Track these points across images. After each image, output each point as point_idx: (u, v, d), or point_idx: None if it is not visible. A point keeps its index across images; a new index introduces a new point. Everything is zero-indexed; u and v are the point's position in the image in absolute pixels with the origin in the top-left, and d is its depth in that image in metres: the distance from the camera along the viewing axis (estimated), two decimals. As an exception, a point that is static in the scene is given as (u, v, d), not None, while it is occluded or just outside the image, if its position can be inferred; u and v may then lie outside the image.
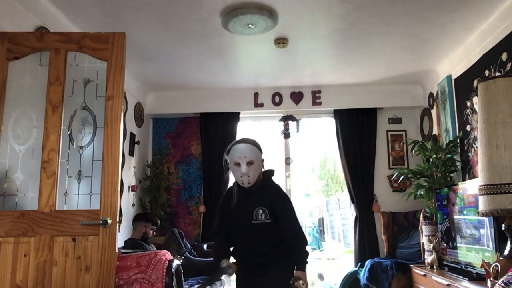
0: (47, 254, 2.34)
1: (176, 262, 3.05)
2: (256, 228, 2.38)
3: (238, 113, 5.10)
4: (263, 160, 2.47)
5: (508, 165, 2.11)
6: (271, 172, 2.54)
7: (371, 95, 4.96)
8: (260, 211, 2.38)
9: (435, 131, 4.60)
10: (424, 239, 3.89)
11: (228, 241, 2.54)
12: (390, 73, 4.57)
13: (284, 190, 2.93)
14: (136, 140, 4.79)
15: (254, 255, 2.43)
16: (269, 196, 2.43)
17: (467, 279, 2.90)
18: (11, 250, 2.34)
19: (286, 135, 5.14)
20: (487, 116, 2.22)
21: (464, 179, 3.86)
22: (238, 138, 2.53)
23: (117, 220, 2.43)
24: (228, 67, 4.28)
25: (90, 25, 3.24)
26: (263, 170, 2.49)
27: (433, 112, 4.64)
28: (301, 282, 2.27)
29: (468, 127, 3.80)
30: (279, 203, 2.43)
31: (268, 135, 5.36)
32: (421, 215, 4.01)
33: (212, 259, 4.34)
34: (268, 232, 2.40)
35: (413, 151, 4.24)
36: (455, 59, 4.00)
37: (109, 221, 2.38)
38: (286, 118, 5.13)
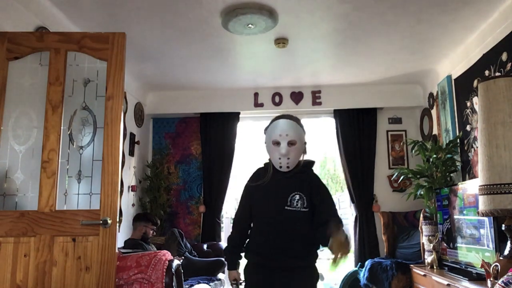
0: (47, 254, 2.34)
1: (176, 262, 3.05)
2: (289, 217, 2.01)
3: (238, 113, 5.10)
4: (305, 143, 2.15)
5: (508, 165, 2.11)
6: (312, 162, 2.21)
7: (371, 95, 4.96)
8: (297, 196, 2.03)
9: (435, 131, 4.60)
10: (424, 239, 3.89)
11: (247, 236, 2.18)
12: (390, 73, 4.57)
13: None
14: (136, 140, 4.79)
15: (279, 252, 2.03)
16: (309, 182, 2.09)
17: (467, 279, 2.90)
18: (11, 250, 2.34)
19: (286, 135, 5.13)
20: (487, 116, 2.22)
21: (464, 179, 3.86)
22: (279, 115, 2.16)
23: (117, 220, 2.43)
24: (228, 67, 4.28)
25: (90, 25, 3.24)
26: (304, 156, 2.16)
27: (433, 112, 4.64)
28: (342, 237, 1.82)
29: (468, 127, 3.79)
30: (319, 192, 2.09)
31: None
32: (421, 215, 4.01)
33: (212, 259, 4.35)
34: (302, 224, 2.02)
35: (413, 151, 4.24)
36: (455, 59, 4.00)
37: (109, 221, 2.38)
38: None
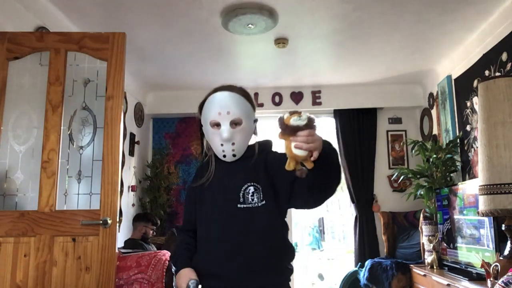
0: (47, 254, 2.34)
1: (176, 262, 3.05)
2: (244, 217, 1.50)
3: (238, 113, 5.09)
4: (256, 121, 1.64)
5: (508, 165, 2.11)
6: (269, 143, 1.70)
7: (371, 95, 4.96)
8: (251, 189, 1.52)
9: (435, 131, 4.60)
10: (424, 239, 3.89)
11: (194, 240, 1.65)
12: (390, 73, 4.57)
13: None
14: (136, 140, 4.79)
15: (235, 268, 1.48)
16: (263, 163, 1.58)
17: (467, 279, 2.90)
18: (11, 250, 2.33)
19: (286, 135, 5.13)
20: (487, 116, 2.22)
21: (464, 179, 3.85)
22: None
23: (117, 220, 2.43)
24: (228, 67, 4.28)
25: (90, 25, 3.24)
26: (256, 138, 1.66)
27: (433, 112, 4.64)
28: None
29: (468, 127, 3.79)
30: (275, 157, 1.57)
31: (268, 135, 5.36)
32: (421, 215, 4.01)
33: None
34: (263, 224, 1.50)
35: (413, 151, 4.24)
36: (455, 59, 4.00)
37: (109, 221, 2.38)
38: (286, 118, 5.12)
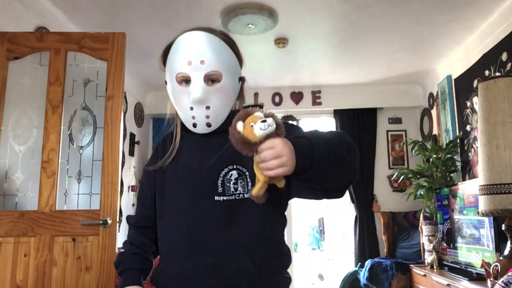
0: (47, 254, 2.34)
1: (176, 262, 3.05)
2: (223, 215, 1.08)
3: (238, 113, 5.09)
4: (241, 80, 1.22)
5: (508, 165, 2.11)
6: (261, 107, 1.24)
7: (371, 95, 4.96)
8: (234, 174, 1.10)
9: (435, 131, 4.60)
10: (424, 239, 3.89)
11: (153, 241, 1.22)
12: (390, 73, 4.57)
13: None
14: (136, 140, 4.79)
15: (210, 281, 1.06)
16: None
17: (467, 279, 2.90)
18: (11, 250, 2.34)
19: (286, 135, 5.13)
20: (487, 116, 2.22)
21: (464, 179, 3.86)
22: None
23: (117, 220, 2.43)
24: (228, 67, 4.28)
25: (90, 25, 3.24)
26: (242, 102, 1.24)
27: (433, 112, 4.64)
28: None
29: (468, 127, 3.79)
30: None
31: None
32: (421, 215, 4.01)
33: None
34: (251, 223, 1.08)
35: (413, 151, 4.24)
36: (455, 59, 4.00)
37: (109, 221, 2.38)
38: (286, 118, 5.12)
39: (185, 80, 1.13)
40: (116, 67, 2.56)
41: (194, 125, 1.14)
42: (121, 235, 4.05)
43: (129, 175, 4.59)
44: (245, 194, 1.09)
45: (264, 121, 0.88)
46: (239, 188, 1.09)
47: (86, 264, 2.35)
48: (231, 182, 1.10)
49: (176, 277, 1.08)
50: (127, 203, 4.51)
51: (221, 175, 1.10)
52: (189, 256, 1.08)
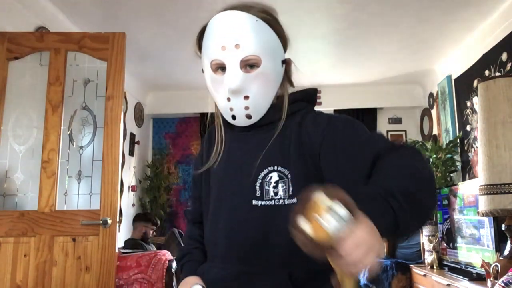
0: (47, 254, 2.34)
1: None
2: (260, 222, 0.97)
3: (238, 113, 5.09)
4: (285, 62, 1.11)
5: (508, 165, 2.11)
6: (312, 93, 1.15)
7: (371, 95, 4.96)
8: (274, 176, 0.97)
9: (435, 131, 4.60)
10: (424, 239, 3.89)
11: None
12: (390, 73, 4.57)
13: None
14: (136, 140, 4.79)
15: None
16: (295, 130, 1.00)
17: (467, 279, 2.90)
18: (11, 250, 2.34)
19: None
20: (487, 116, 2.22)
21: (464, 179, 3.85)
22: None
23: (117, 220, 2.43)
24: (228, 67, 4.28)
25: (90, 25, 3.24)
26: (288, 86, 1.11)
27: (433, 112, 4.64)
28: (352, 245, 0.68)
29: (468, 127, 3.79)
30: (337, 133, 0.95)
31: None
32: (421, 215, 4.00)
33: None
34: (284, 234, 0.77)
35: (413, 151, 4.23)
36: (455, 59, 4.00)
37: (109, 221, 2.37)
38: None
39: (221, 68, 0.99)
40: (116, 67, 2.56)
41: (233, 117, 1.01)
42: (121, 235, 4.05)
43: (129, 175, 4.59)
44: (285, 200, 0.95)
45: (331, 208, 0.66)
46: (279, 193, 0.96)
47: (86, 264, 2.35)
48: (271, 185, 0.97)
49: (212, 283, 1.01)
50: (127, 203, 4.51)
51: (259, 178, 0.98)
52: (226, 263, 1.00)
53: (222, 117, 1.07)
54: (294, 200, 0.94)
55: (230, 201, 1.01)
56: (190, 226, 1.21)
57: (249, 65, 0.98)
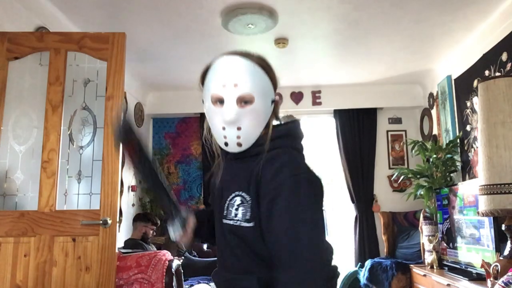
0: (47, 254, 2.34)
1: (176, 262, 3.05)
2: (227, 235, 1.17)
3: (238, 113, 5.08)
4: (274, 102, 1.24)
5: (508, 165, 2.11)
6: (292, 131, 1.25)
7: (371, 95, 4.96)
8: (237, 200, 1.14)
9: (435, 131, 4.60)
10: (424, 239, 3.89)
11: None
12: (390, 73, 4.57)
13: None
14: (136, 140, 4.78)
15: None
16: (268, 173, 1.10)
17: (467, 279, 2.90)
18: (11, 250, 2.34)
19: (286, 135, 5.13)
20: (487, 116, 2.22)
21: (464, 179, 3.86)
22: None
23: (117, 220, 2.43)
24: (228, 67, 4.28)
25: (90, 25, 3.24)
26: (274, 121, 1.24)
27: (433, 112, 4.64)
28: None
29: (468, 127, 3.79)
30: (278, 192, 1.07)
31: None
32: (421, 215, 4.01)
33: (212, 259, 4.34)
34: (245, 252, 1.14)
35: (413, 151, 4.24)
36: (455, 59, 4.00)
37: (109, 221, 2.37)
38: (286, 118, 5.11)
39: (219, 101, 1.16)
40: (116, 67, 2.56)
41: (226, 144, 1.18)
42: (121, 235, 4.05)
43: (129, 175, 4.59)
44: (242, 222, 1.12)
45: None
46: (238, 215, 1.13)
47: (86, 264, 2.35)
48: (233, 207, 1.15)
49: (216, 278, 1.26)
50: (127, 203, 4.51)
51: (228, 199, 1.18)
52: (220, 270, 1.25)
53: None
54: (251, 224, 1.10)
55: (217, 216, 1.24)
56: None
57: (244, 101, 1.15)
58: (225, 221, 1.17)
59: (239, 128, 1.15)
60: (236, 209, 1.14)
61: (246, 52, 1.22)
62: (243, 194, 1.14)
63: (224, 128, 1.16)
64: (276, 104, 1.25)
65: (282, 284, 1.03)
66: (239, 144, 1.17)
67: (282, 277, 1.03)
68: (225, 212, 1.17)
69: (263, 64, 1.23)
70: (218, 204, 1.22)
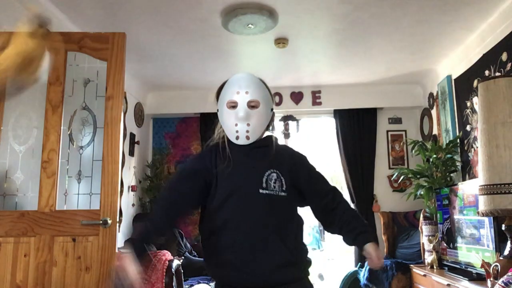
0: (47, 254, 2.34)
1: (176, 262, 3.05)
2: (265, 204, 1.45)
3: (238, 113, 5.09)
4: (272, 110, 1.62)
5: (508, 165, 2.11)
6: (274, 138, 1.64)
7: (371, 95, 4.96)
8: (274, 175, 1.48)
9: (435, 131, 4.60)
10: (424, 239, 3.89)
11: (173, 220, 1.54)
12: (390, 73, 4.57)
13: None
14: (136, 140, 4.79)
15: (255, 259, 1.41)
16: (287, 155, 1.59)
17: (467, 279, 2.90)
18: (11, 250, 2.34)
19: (286, 135, 5.14)
20: (487, 116, 2.22)
21: (464, 179, 3.86)
22: None
23: (117, 220, 2.43)
24: (228, 67, 4.28)
25: (90, 25, 3.24)
26: (270, 129, 1.65)
27: (433, 112, 4.64)
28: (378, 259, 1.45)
29: (468, 127, 3.79)
30: (303, 164, 1.60)
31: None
32: (421, 215, 4.01)
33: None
34: (283, 214, 1.49)
35: (413, 151, 4.24)
36: (455, 59, 4.00)
37: (109, 221, 2.37)
38: (286, 118, 5.13)
39: (233, 106, 1.53)
40: (116, 67, 2.56)
41: (237, 138, 1.53)
42: (121, 235, 4.05)
43: (129, 175, 4.59)
44: (279, 192, 1.48)
45: None
46: (276, 187, 1.48)
47: (86, 264, 2.35)
48: (272, 181, 1.48)
49: (228, 247, 1.49)
50: (127, 203, 4.51)
51: (265, 175, 1.48)
52: (239, 234, 1.48)
53: (228, 140, 1.56)
54: (285, 194, 1.49)
55: (243, 190, 1.47)
56: (159, 211, 1.52)
57: (252, 105, 1.54)
58: (263, 191, 1.45)
59: (248, 124, 1.52)
60: (274, 182, 1.48)
61: (250, 74, 1.62)
62: (277, 171, 1.50)
63: (236, 125, 1.51)
64: (273, 114, 1.64)
65: (336, 191, 1.61)
66: (248, 137, 1.52)
67: (333, 189, 1.60)
68: (263, 184, 1.46)
69: (264, 82, 1.65)
70: (242, 184, 1.47)
